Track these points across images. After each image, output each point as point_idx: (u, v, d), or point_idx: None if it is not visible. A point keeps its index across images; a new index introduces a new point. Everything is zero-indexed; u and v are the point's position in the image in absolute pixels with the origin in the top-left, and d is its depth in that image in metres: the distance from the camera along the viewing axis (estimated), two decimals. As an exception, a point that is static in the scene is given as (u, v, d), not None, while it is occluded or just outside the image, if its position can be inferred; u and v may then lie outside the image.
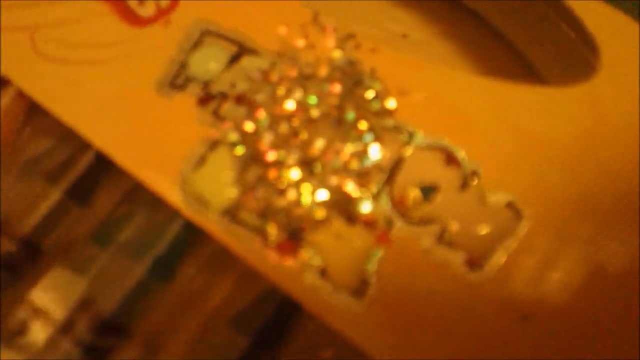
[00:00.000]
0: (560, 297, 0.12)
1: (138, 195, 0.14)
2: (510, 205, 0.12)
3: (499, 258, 0.12)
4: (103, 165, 0.14)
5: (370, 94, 0.12)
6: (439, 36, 0.17)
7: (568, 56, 0.14)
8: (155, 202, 0.13)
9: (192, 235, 0.13)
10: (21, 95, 0.14)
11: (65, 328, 0.12)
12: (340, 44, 0.13)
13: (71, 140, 0.14)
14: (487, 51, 0.17)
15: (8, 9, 0.14)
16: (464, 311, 0.12)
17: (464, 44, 0.17)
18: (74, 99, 0.13)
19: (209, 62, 0.13)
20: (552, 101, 0.12)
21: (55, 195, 0.13)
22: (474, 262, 0.12)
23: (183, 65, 0.13)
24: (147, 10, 0.13)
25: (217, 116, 0.13)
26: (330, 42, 0.13)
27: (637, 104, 0.13)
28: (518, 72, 0.16)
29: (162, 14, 0.13)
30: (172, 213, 0.13)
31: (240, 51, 0.13)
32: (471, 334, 0.12)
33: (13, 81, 0.13)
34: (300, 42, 0.13)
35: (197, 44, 0.13)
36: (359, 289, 0.12)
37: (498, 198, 0.12)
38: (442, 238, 0.12)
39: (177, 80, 0.13)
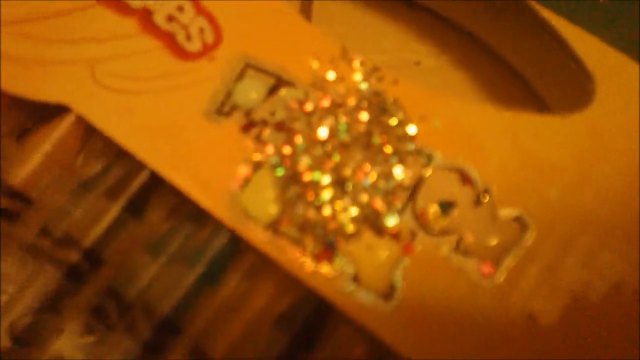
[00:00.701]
0: (561, 299, 0.13)
1: (183, 209, 0.15)
2: (517, 219, 0.14)
3: (508, 265, 0.13)
4: (153, 183, 0.15)
5: (393, 121, 0.14)
6: (450, 64, 0.18)
7: (569, 84, 0.16)
8: (200, 216, 0.15)
9: (236, 246, 0.14)
10: (79, 121, 0.15)
11: (128, 328, 0.14)
12: (366, 77, 0.15)
13: (123, 161, 0.16)
14: (493, 78, 0.18)
15: (70, 43, 0.15)
16: (478, 311, 0.13)
17: (472, 71, 0.18)
18: (130, 124, 0.15)
19: (250, 92, 0.15)
20: (556, 127, 0.14)
21: (114, 210, 0.15)
22: (486, 269, 0.13)
23: (228, 95, 0.15)
24: (195, 46, 0.15)
25: (259, 141, 0.14)
26: (357, 75, 0.15)
27: (630, 129, 0.14)
28: (522, 97, 0.18)
29: (207, 49, 0.15)
30: (217, 226, 0.15)
31: (278, 83, 0.15)
32: (484, 330, 0.13)
33: (74, 108, 0.15)
34: (331, 75, 0.15)
35: (239, 76, 0.15)
36: (387, 293, 0.13)
37: (507, 213, 0.14)
38: (459, 248, 0.13)
39: (223, 108, 0.15)
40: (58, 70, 0.15)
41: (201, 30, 0.15)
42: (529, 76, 0.17)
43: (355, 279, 0.13)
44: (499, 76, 0.18)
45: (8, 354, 0.14)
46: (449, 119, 0.14)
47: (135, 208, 0.15)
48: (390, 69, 0.15)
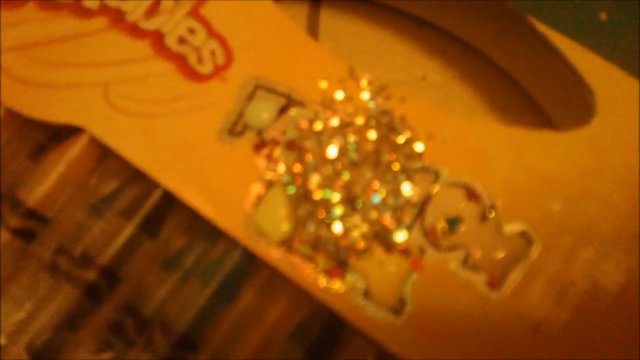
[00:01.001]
0: (565, 310, 0.14)
1: (198, 226, 0.16)
2: (523, 234, 0.14)
3: (515, 278, 0.14)
4: (168, 202, 0.16)
5: (401, 139, 0.15)
6: (455, 79, 0.19)
7: (571, 99, 0.16)
8: (214, 233, 0.15)
9: (250, 262, 0.15)
10: (93, 141, 0.16)
11: (146, 344, 0.14)
12: (374, 95, 0.15)
13: (138, 180, 0.16)
14: (497, 92, 0.19)
15: (84, 66, 0.16)
16: (486, 324, 0.14)
17: (477, 85, 0.19)
18: (145, 145, 0.15)
19: (261, 112, 0.15)
20: (559, 142, 0.15)
21: (130, 228, 0.15)
22: (494, 282, 0.14)
23: (239, 116, 0.15)
24: (206, 67, 0.16)
25: (271, 159, 0.15)
26: (365, 93, 0.15)
27: (630, 144, 0.15)
28: (526, 111, 0.18)
29: (218, 70, 0.16)
30: (230, 242, 0.15)
31: (288, 103, 0.15)
32: (492, 343, 0.14)
33: (88, 130, 0.16)
34: (340, 94, 0.15)
35: (250, 97, 0.15)
36: (398, 307, 0.14)
37: (513, 227, 0.14)
38: (466, 262, 0.14)
39: (235, 128, 0.15)
40: (72, 92, 0.16)
41: (212, 52, 0.16)
42: (531, 90, 0.17)
43: (366, 294, 0.14)
44: (503, 90, 0.19)
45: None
46: (455, 135, 0.15)
47: (151, 226, 0.15)
48: (396, 85, 0.15)
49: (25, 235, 0.16)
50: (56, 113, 0.16)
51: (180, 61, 0.16)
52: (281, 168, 0.14)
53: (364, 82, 0.15)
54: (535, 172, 0.14)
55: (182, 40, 0.16)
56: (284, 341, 0.14)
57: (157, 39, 0.16)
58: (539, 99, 0.17)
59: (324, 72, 0.15)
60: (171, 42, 0.16)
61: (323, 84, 0.15)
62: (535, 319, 0.14)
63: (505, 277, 0.14)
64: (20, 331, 0.15)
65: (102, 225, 0.15)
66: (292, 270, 0.14)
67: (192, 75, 0.15)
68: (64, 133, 0.16)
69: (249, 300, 0.14)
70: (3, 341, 0.15)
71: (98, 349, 0.15)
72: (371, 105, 0.15)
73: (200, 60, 0.16)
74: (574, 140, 0.15)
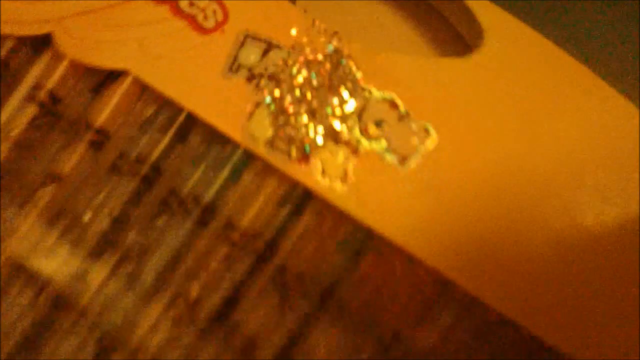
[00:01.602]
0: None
1: (214, 136, 0.23)
2: (426, 130, 0.21)
3: (416, 159, 0.21)
4: (192, 119, 0.23)
5: (347, 70, 0.21)
6: (401, 20, 0.25)
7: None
8: (224, 140, 0.22)
9: (248, 155, 0.22)
10: (135, 79, 0.23)
11: (183, 214, 0.22)
12: (329, 39, 0.22)
13: (168, 106, 0.23)
14: (430, 28, 0.25)
15: (121, 27, 0.22)
16: (396, 192, 0.21)
17: (419, 26, 0.25)
18: (171, 80, 0.22)
19: (250, 55, 0.22)
20: (463, 68, 0.21)
21: (166, 139, 0.22)
22: (402, 160, 0.21)
23: (235, 58, 0.22)
24: (209, 23, 0.22)
25: (259, 88, 0.21)
26: (322, 38, 0.22)
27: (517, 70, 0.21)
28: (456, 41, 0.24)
29: (219, 25, 0.22)
30: (234, 145, 0.22)
31: (269, 47, 0.22)
32: (401, 205, 0.21)
33: (131, 72, 0.22)
34: (305, 39, 0.22)
35: (242, 44, 0.22)
36: (343, 177, 0.21)
37: (419, 124, 0.21)
38: (388, 149, 0.21)
39: (233, 67, 0.22)
40: (117, 46, 0.22)
41: (214, 12, 0.22)
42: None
43: (323, 172, 0.21)
44: (435, 25, 0.25)
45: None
46: (387, 66, 0.21)
47: (181, 136, 0.23)
48: (348, 29, 0.22)
49: (96, 146, 0.23)
50: (107, 60, 0.22)
51: (192, 20, 0.22)
52: (266, 93, 0.21)
53: (321, 29, 0.22)
54: (446, 92, 0.21)
55: (191, 4, 0.22)
56: (276, 208, 0.22)
57: (174, 3, 0.22)
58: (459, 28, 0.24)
59: (294, 24, 0.22)
60: (184, 5, 0.22)
61: (293, 32, 0.22)
62: (435, 186, 0.21)
63: (410, 156, 0.21)
64: (99, 213, 0.23)
65: (146, 139, 0.23)
66: (275, 160, 0.21)
67: (200, 30, 0.22)
68: (114, 75, 0.23)
69: (250, 180, 0.22)
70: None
71: (153, 218, 0.22)
72: (327, 46, 0.22)
73: (205, 18, 0.22)
74: (473, 66, 0.21)
